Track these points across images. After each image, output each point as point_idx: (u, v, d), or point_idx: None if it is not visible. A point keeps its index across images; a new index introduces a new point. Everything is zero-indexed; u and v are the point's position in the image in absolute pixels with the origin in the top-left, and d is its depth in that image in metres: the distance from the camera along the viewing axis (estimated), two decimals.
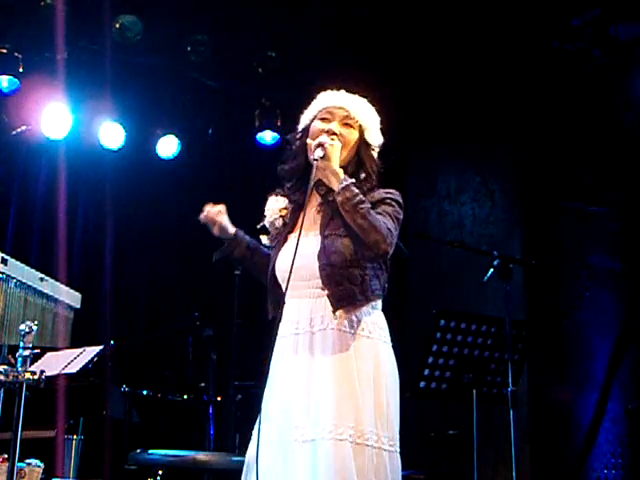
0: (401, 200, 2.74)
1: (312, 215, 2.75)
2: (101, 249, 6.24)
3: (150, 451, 4.36)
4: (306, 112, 2.86)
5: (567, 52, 6.01)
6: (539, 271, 5.92)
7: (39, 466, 3.87)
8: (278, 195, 2.86)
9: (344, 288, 2.59)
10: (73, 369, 4.20)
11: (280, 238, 2.79)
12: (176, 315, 5.90)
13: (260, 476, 2.49)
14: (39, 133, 5.93)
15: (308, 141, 2.71)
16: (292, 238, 2.74)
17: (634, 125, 6.18)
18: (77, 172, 6.15)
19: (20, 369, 2.92)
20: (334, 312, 2.59)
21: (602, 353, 6.10)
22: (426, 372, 4.16)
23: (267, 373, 2.66)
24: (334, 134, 2.71)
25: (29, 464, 3.81)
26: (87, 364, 4.28)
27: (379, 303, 2.71)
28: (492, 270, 4.07)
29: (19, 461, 3.00)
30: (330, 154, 2.61)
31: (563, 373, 6.13)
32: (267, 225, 2.86)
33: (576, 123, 6.29)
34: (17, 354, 2.96)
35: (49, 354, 4.16)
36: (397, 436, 2.59)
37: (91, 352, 4.35)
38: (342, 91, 2.84)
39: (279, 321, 2.69)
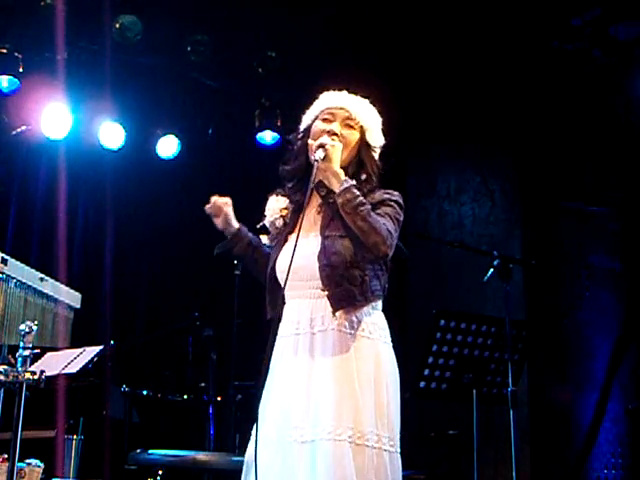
0: (402, 201, 2.73)
1: (312, 216, 2.75)
2: (101, 249, 6.24)
3: (150, 451, 4.36)
4: (308, 112, 2.85)
5: (567, 52, 6.01)
6: (539, 271, 5.92)
7: (39, 466, 3.87)
8: (279, 195, 2.86)
9: (344, 289, 2.59)
10: (73, 369, 4.20)
11: (280, 238, 2.79)
12: (176, 315, 5.90)
13: (259, 476, 2.49)
14: (39, 133, 5.93)
15: (309, 142, 2.71)
16: (292, 238, 2.73)
17: (634, 125, 6.18)
18: (77, 172, 6.15)
19: (20, 369, 2.92)
20: (334, 313, 2.59)
21: (602, 353, 6.10)
22: (426, 372, 4.16)
23: (265, 373, 2.66)
24: (335, 135, 2.71)
25: (29, 464, 3.81)
26: (87, 364, 4.28)
27: (379, 303, 2.71)
28: (492, 270, 4.07)
29: (19, 461, 3.00)
30: (331, 155, 2.61)
31: (563, 373, 6.13)
32: (267, 225, 2.86)
33: (576, 123, 6.29)
34: (17, 354, 2.96)
35: (49, 354, 4.16)
36: (398, 436, 2.59)
37: (91, 352, 4.35)
38: (344, 92, 2.84)
39: (279, 321, 2.70)
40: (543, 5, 5.70)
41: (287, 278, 2.57)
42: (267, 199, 2.88)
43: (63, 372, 4.18)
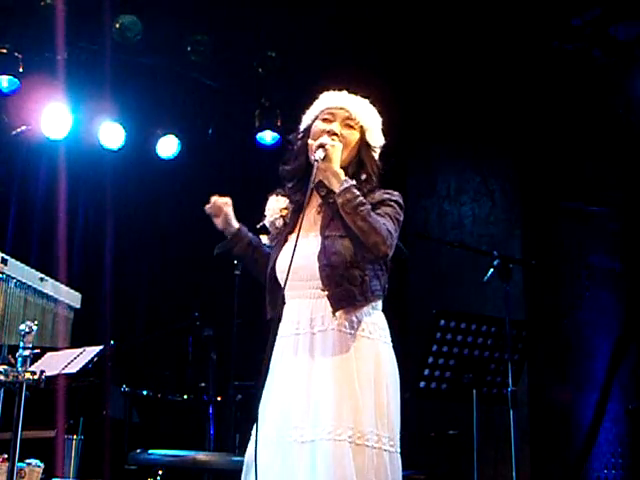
0: (402, 201, 2.73)
1: (312, 216, 2.75)
2: (101, 249, 6.24)
3: (150, 451, 4.36)
4: (308, 112, 2.85)
5: (567, 52, 6.02)
6: (539, 271, 5.92)
7: (39, 466, 3.87)
8: (279, 195, 2.86)
9: (344, 289, 2.59)
10: (73, 369, 4.20)
11: (280, 238, 2.79)
12: (176, 315, 5.90)
13: (259, 477, 2.49)
14: (39, 133, 5.93)
15: (309, 142, 2.71)
16: (293, 238, 2.73)
17: (634, 125, 6.18)
18: (77, 172, 6.15)
19: (20, 369, 2.92)
20: (334, 313, 2.59)
21: (602, 353, 6.10)
22: (426, 372, 4.16)
23: (265, 373, 2.66)
24: (335, 135, 2.71)
25: (29, 464, 3.81)
26: (87, 364, 4.27)
27: (379, 303, 2.71)
28: (492, 270, 4.07)
29: (19, 461, 3.00)
30: (331, 155, 2.61)
31: (563, 373, 6.12)
32: (267, 225, 2.85)
33: (576, 123, 6.29)
34: (17, 354, 2.96)
35: (49, 354, 4.16)
36: (398, 436, 2.59)
37: (91, 352, 4.34)
38: (344, 92, 2.84)
39: (279, 321, 2.70)
40: (543, 5, 5.70)
41: (287, 278, 2.57)
42: (267, 199, 2.88)
43: (63, 372, 4.18)
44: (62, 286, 3.68)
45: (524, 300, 6.11)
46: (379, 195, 2.71)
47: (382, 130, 2.84)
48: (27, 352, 2.95)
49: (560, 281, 6.35)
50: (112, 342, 5.06)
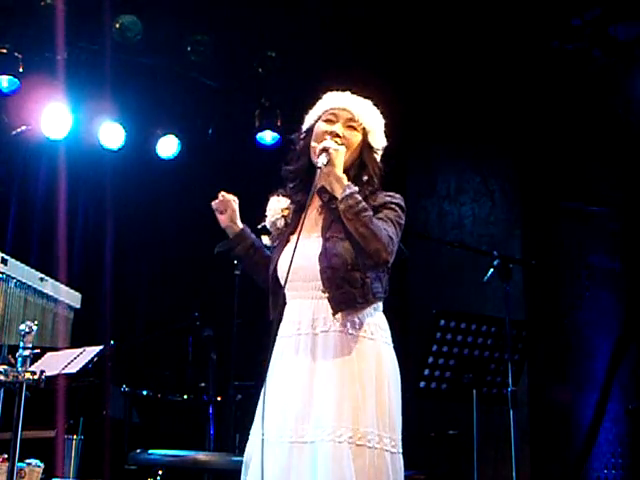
0: (403, 204, 2.72)
1: (314, 216, 2.74)
2: (101, 249, 6.24)
3: (150, 451, 4.36)
4: (310, 112, 2.84)
5: (567, 52, 6.02)
6: (539, 271, 5.92)
7: (39, 466, 3.87)
8: (280, 195, 2.85)
9: (344, 291, 2.59)
10: (73, 369, 4.20)
11: (282, 239, 2.78)
12: (176, 315, 5.90)
13: (259, 477, 2.49)
14: (39, 133, 5.92)
15: (313, 144, 2.70)
16: (294, 239, 2.73)
17: (634, 125, 6.18)
18: (77, 172, 6.15)
19: (20, 369, 2.92)
20: (334, 315, 2.59)
21: (602, 353, 6.10)
22: (426, 372, 4.16)
23: (265, 373, 2.66)
24: (337, 136, 2.70)
25: (29, 464, 3.81)
26: (87, 364, 4.27)
27: (380, 304, 2.71)
28: (492, 270, 4.06)
29: (19, 461, 3.00)
30: (334, 159, 2.60)
31: (563, 373, 6.13)
32: (268, 225, 2.85)
33: (576, 123, 6.29)
34: (17, 354, 2.96)
35: (49, 354, 4.16)
36: (399, 437, 2.59)
37: (91, 352, 4.34)
38: (347, 92, 2.83)
39: (279, 321, 2.69)
40: (543, 5, 5.70)
41: (287, 278, 2.57)
42: (268, 199, 2.87)
43: (63, 372, 4.17)
44: (62, 286, 3.68)
45: (524, 300, 6.11)
46: (381, 198, 2.70)
47: (383, 131, 2.83)
48: (27, 352, 2.95)
49: (560, 281, 6.36)
50: (112, 342, 5.05)
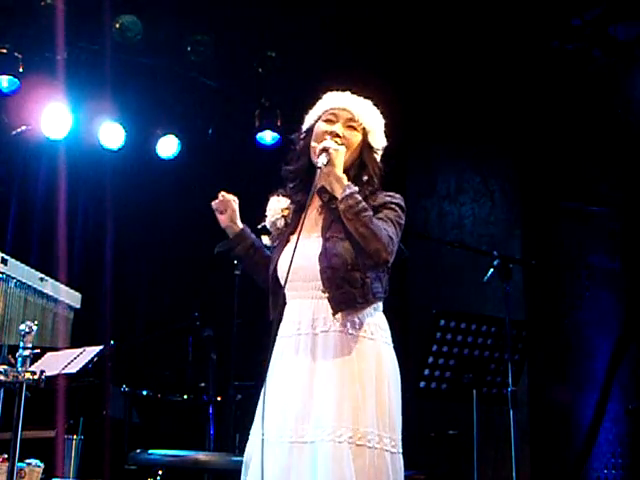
0: (404, 204, 2.72)
1: (314, 216, 2.74)
2: (101, 249, 6.24)
3: (150, 451, 4.35)
4: (311, 112, 2.84)
5: (567, 52, 6.02)
6: (539, 271, 5.92)
7: (39, 466, 3.87)
8: (280, 195, 2.85)
9: (344, 291, 2.59)
10: (73, 369, 4.20)
11: (282, 239, 2.78)
12: (176, 315, 5.90)
13: (259, 477, 2.49)
14: (39, 133, 5.92)
15: (313, 144, 2.70)
16: (294, 239, 2.73)
17: (634, 125, 6.18)
18: (77, 172, 6.15)
19: (20, 369, 2.92)
20: (334, 315, 2.59)
21: (602, 353, 6.10)
22: (426, 372, 4.16)
23: (265, 373, 2.66)
24: (337, 136, 2.70)
25: (29, 464, 3.81)
26: (87, 364, 4.27)
27: (380, 305, 2.71)
28: (492, 270, 4.06)
29: (19, 461, 3.00)
30: (334, 159, 2.60)
31: (563, 373, 6.13)
32: (268, 225, 2.85)
33: (576, 123, 6.29)
34: (17, 354, 2.96)
35: (49, 354, 4.16)
36: (400, 437, 2.58)
37: (91, 352, 4.34)
38: (347, 92, 2.83)
39: (279, 321, 2.69)
40: (543, 5, 5.70)
41: (287, 278, 2.57)
42: (268, 199, 2.87)
43: (63, 372, 4.17)
44: (62, 286, 3.69)
45: (524, 300, 6.11)
46: (381, 198, 2.70)
47: (384, 131, 2.83)
48: (27, 352, 2.95)
49: (560, 281, 6.36)
50: (112, 342, 5.05)
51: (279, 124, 6.43)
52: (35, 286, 3.44)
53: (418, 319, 6.00)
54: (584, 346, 6.18)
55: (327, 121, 2.75)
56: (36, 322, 3.04)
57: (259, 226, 2.88)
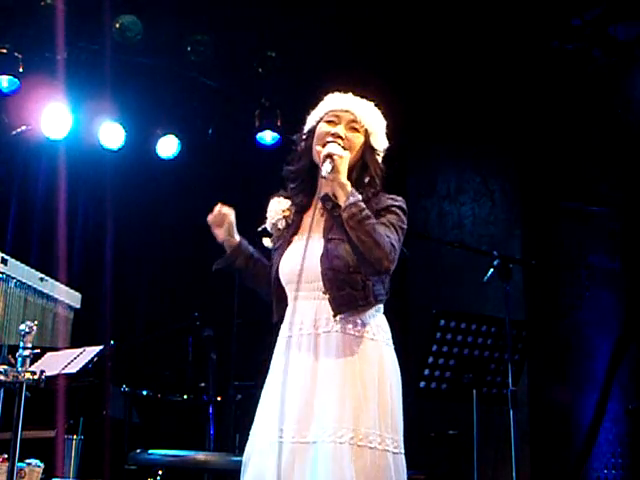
0: (405, 207, 2.71)
1: (316, 218, 2.73)
2: (101, 249, 6.24)
3: (150, 451, 4.36)
4: (312, 113, 2.83)
5: (567, 52, 6.02)
6: (539, 271, 5.92)
7: (39, 466, 3.88)
8: (280, 197, 2.85)
9: (346, 293, 2.58)
10: (73, 369, 4.20)
11: (283, 240, 2.78)
12: (176, 315, 5.90)
13: (258, 477, 2.49)
14: (39, 133, 5.93)
15: (318, 148, 2.68)
16: (295, 240, 2.73)
17: (634, 125, 6.18)
18: (77, 172, 6.16)
19: (20, 369, 2.92)
20: (334, 317, 2.58)
21: (602, 353, 6.10)
22: (426, 372, 4.16)
23: (266, 373, 2.66)
24: (340, 137, 2.70)
25: (29, 464, 3.82)
26: (87, 364, 4.27)
27: (381, 306, 2.70)
28: (492, 270, 4.06)
29: (19, 461, 3.00)
30: (339, 166, 2.58)
31: (563, 373, 6.13)
32: (269, 227, 2.84)
33: (576, 123, 6.29)
34: (17, 354, 2.96)
35: (49, 354, 4.16)
36: (401, 437, 2.58)
37: (91, 352, 4.34)
38: (349, 94, 2.82)
39: (280, 322, 2.69)
40: (543, 5, 5.70)
41: (298, 280, 2.58)
42: (268, 199, 2.86)
43: (63, 372, 4.17)
44: (62, 286, 3.69)
45: (524, 300, 6.11)
46: (383, 200, 2.69)
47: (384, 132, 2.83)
48: (27, 352, 2.95)
49: (560, 281, 6.36)
50: (112, 342, 5.05)
51: (279, 124, 6.43)
52: (35, 286, 3.44)
53: (418, 319, 6.00)
54: (584, 346, 6.18)
55: (329, 122, 2.74)
56: (36, 322, 3.04)
57: (259, 228, 2.86)
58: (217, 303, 5.84)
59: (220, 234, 2.85)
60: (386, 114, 2.84)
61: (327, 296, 2.59)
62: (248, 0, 5.83)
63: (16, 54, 5.64)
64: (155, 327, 6.10)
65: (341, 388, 2.52)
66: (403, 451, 2.57)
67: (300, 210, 2.79)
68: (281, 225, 2.80)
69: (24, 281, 3.36)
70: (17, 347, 2.97)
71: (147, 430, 5.38)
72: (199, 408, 5.35)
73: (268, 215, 2.83)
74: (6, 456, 3.49)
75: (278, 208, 2.81)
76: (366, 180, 2.73)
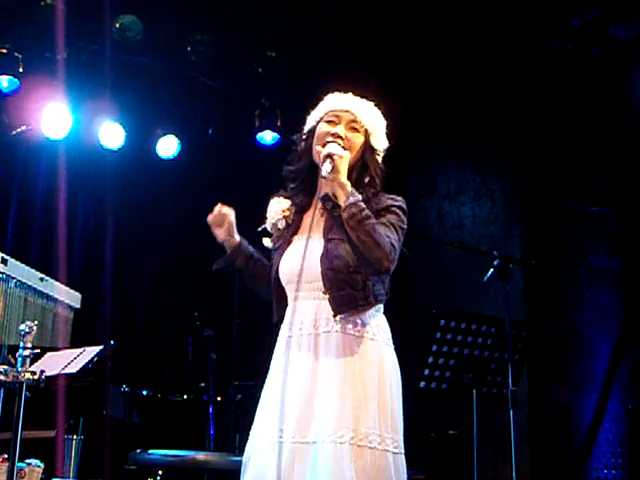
0: (405, 207, 2.71)
1: (316, 218, 2.73)
2: (101, 249, 6.24)
3: (150, 451, 4.36)
4: (312, 113, 2.83)
5: (567, 52, 6.02)
6: (539, 271, 5.92)
7: (39, 466, 3.88)
8: (280, 197, 2.85)
9: (345, 294, 2.58)
10: (73, 369, 4.20)
11: (283, 240, 2.77)
12: (176, 315, 5.90)
13: (259, 477, 2.49)
14: (39, 133, 5.93)
15: (318, 148, 2.68)
16: (295, 240, 2.73)
17: (634, 125, 6.18)
18: (77, 172, 6.16)
19: (20, 369, 2.92)
20: (334, 316, 2.58)
21: (602, 353, 6.10)
22: (426, 372, 4.16)
23: (266, 373, 2.66)
24: (340, 137, 2.69)
25: (29, 464, 3.82)
26: (87, 364, 4.27)
27: (381, 306, 2.70)
28: (492, 270, 4.06)
29: (19, 461, 3.00)
30: (339, 166, 2.57)
31: (563, 373, 6.13)
32: (269, 227, 2.83)
33: (576, 123, 6.29)
34: (17, 354, 2.96)
35: (49, 354, 4.16)
36: (401, 437, 2.58)
37: (91, 352, 4.34)
38: (349, 94, 2.82)
39: (280, 322, 2.69)
40: (543, 5, 5.70)
41: (298, 280, 2.58)
42: (268, 199, 2.86)
43: (63, 372, 4.17)
44: (62, 286, 3.69)
45: (524, 300, 6.11)
46: (383, 200, 2.69)
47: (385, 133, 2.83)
48: (27, 352, 2.95)
49: (560, 281, 6.36)
50: (112, 342, 5.05)
51: (279, 124, 6.43)
52: (35, 286, 3.44)
53: (418, 319, 5.99)
54: (584, 346, 6.18)
55: (329, 122, 2.74)
56: (36, 322, 3.04)
57: (259, 228, 2.86)
58: (217, 303, 5.84)
59: (220, 234, 2.84)
60: (386, 114, 2.84)
61: (327, 296, 2.59)
62: (248, 0, 5.83)
63: (16, 54, 5.63)
64: (155, 327, 6.10)
65: (341, 388, 2.51)
66: (403, 451, 2.57)
67: (300, 210, 2.79)
68: (281, 225, 2.80)
69: (24, 281, 3.36)
70: (17, 347, 2.97)
71: (147, 430, 5.37)
72: (199, 408, 5.35)
73: (268, 215, 2.83)
74: (6, 456, 3.49)
75: (278, 208, 2.81)
76: (366, 180, 2.73)
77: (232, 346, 4.95)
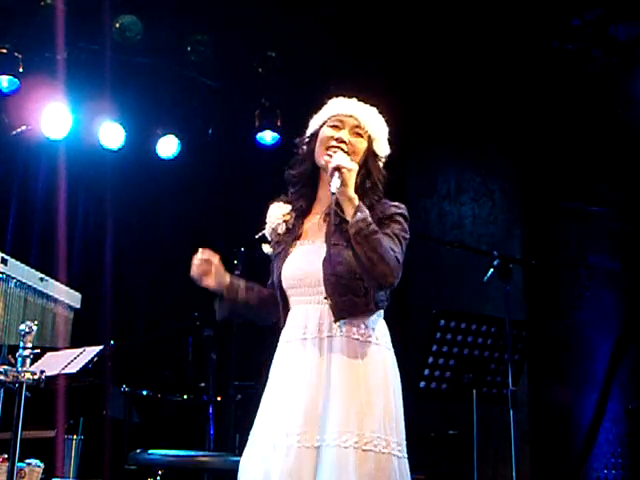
0: (407, 214, 2.70)
1: (318, 222, 2.72)
2: (101, 249, 6.24)
3: (150, 451, 4.35)
4: (315, 117, 2.81)
5: (567, 52, 6.02)
6: (539, 271, 5.92)
7: (39, 466, 3.88)
8: (280, 202, 2.83)
9: (347, 299, 2.57)
10: (73, 369, 4.20)
11: (285, 245, 2.76)
12: (176, 315, 5.90)
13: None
14: (39, 133, 5.93)
15: (317, 149, 2.67)
16: (297, 245, 2.72)
17: (634, 125, 6.18)
18: (77, 172, 6.15)
19: (20, 369, 2.92)
20: (335, 322, 2.57)
21: (602, 353, 6.10)
22: (426, 372, 4.16)
23: (266, 374, 2.65)
24: (343, 142, 2.69)
25: (29, 464, 3.81)
26: (87, 364, 4.27)
27: (382, 311, 2.70)
28: (492, 270, 4.07)
29: (19, 461, 3.00)
30: (347, 180, 2.56)
31: (563, 373, 6.13)
32: (267, 233, 2.82)
33: (576, 123, 6.29)
34: (17, 354, 2.96)
35: (49, 354, 4.16)
36: (404, 442, 2.58)
37: (91, 352, 4.34)
38: (353, 99, 2.81)
39: (283, 326, 2.69)
40: (543, 5, 5.70)
41: (301, 284, 2.59)
42: (268, 200, 2.84)
43: (63, 372, 4.17)
44: (62, 286, 3.69)
45: (524, 300, 6.11)
46: (387, 208, 2.67)
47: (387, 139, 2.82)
48: (27, 352, 2.95)
49: (560, 281, 6.36)
50: (112, 342, 5.05)
51: (279, 124, 6.43)
52: (35, 286, 3.44)
53: (418, 319, 5.99)
54: (584, 346, 6.18)
55: (333, 127, 2.73)
56: (36, 322, 3.04)
57: (257, 235, 2.84)
58: None
59: (211, 283, 2.83)
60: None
61: (328, 301, 2.59)
62: (248, 0, 5.83)
63: (16, 54, 5.64)
64: (155, 327, 6.09)
65: (346, 392, 2.50)
66: (406, 456, 2.57)
67: (300, 215, 2.77)
68: (281, 230, 2.79)
69: (24, 281, 3.36)
70: (17, 347, 2.97)
71: (147, 430, 5.37)
72: (199, 408, 5.35)
73: (268, 220, 2.80)
74: (6, 456, 3.49)
75: (278, 213, 2.80)
76: (368, 186, 2.71)
77: (232, 346, 4.95)
